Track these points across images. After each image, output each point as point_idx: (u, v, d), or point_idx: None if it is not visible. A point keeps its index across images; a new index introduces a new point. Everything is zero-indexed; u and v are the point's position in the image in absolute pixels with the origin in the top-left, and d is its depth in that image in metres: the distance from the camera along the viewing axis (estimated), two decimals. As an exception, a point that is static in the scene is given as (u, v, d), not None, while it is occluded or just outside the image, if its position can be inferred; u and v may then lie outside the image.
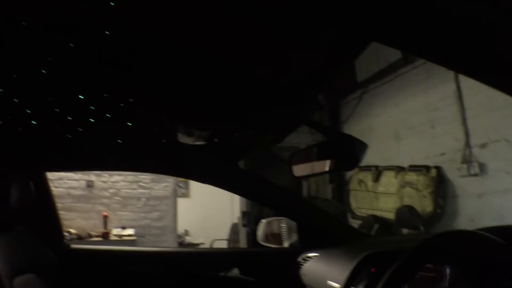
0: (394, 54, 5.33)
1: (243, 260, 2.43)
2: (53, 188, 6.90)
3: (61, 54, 1.14)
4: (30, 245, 2.03)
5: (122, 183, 7.11)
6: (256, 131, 1.84)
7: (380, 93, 5.92)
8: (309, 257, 2.15)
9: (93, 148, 2.13)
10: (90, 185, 6.97)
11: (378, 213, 5.58)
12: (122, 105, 1.52)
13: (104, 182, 7.04)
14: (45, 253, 2.11)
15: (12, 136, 1.87)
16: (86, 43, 1.09)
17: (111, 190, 7.07)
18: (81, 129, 1.80)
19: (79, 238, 6.44)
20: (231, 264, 2.36)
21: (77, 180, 6.89)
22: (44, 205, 2.36)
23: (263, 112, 1.64)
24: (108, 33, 1.02)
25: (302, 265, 2.16)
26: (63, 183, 6.81)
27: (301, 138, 5.39)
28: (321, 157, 1.57)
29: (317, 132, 1.76)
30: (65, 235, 6.24)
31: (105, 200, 7.04)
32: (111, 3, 0.86)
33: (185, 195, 9.60)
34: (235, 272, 2.33)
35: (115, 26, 1.01)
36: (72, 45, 1.06)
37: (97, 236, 6.59)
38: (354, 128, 6.48)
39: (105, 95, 1.44)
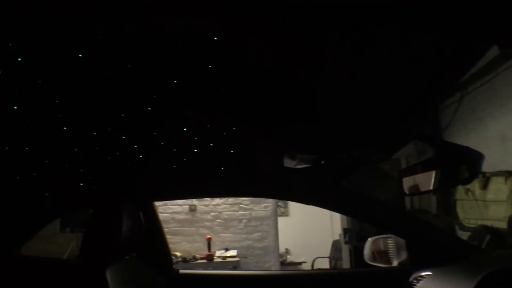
0: (491, 51, 4.99)
1: (350, 282, 2.36)
2: (158, 214, 7.13)
3: (165, 91, 1.18)
4: (141, 272, 2.11)
5: (223, 206, 7.25)
6: (366, 151, 1.78)
7: (481, 94, 5.55)
8: (421, 276, 2.03)
9: (198, 176, 2.18)
10: (192, 209, 7.19)
11: (488, 223, 5.21)
12: (224, 133, 1.55)
13: (206, 205, 7.23)
14: (155, 279, 2.18)
15: (121, 170, 1.97)
16: (187, 78, 1.12)
17: (213, 213, 7.24)
18: (185, 159, 1.85)
19: (185, 261, 6.63)
20: (338, 286, 2.30)
21: (180, 205, 7.14)
22: (153, 232, 2.45)
23: (375, 131, 1.59)
24: (210, 67, 1.04)
25: (414, 285, 2.04)
26: (168, 208, 7.08)
27: (402, 149, 5.18)
28: (434, 172, 1.48)
29: (422, 143, 1.68)
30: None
31: (208, 223, 7.21)
32: (215, 38, 0.87)
33: (285, 214, 9.62)
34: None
35: (216, 58, 1.02)
36: (175, 81, 1.09)
37: (201, 259, 6.74)
38: (455, 134, 6.15)
39: (208, 125, 1.47)
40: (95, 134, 1.52)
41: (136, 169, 1.97)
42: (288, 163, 1.76)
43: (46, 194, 2.27)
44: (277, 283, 2.43)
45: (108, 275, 1.82)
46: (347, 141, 1.68)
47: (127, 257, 2.11)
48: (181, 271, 2.54)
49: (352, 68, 1.12)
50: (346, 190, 2.26)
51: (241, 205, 7.27)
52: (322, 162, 1.77)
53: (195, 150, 1.67)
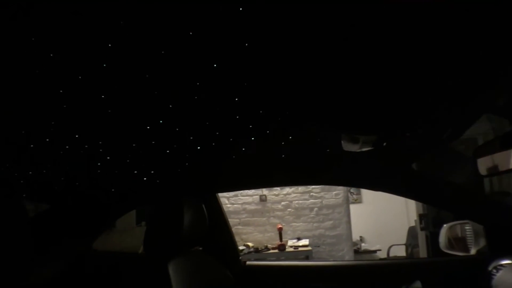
0: None
1: (425, 271, 2.24)
2: (229, 205, 7.17)
3: (221, 81, 1.14)
4: (207, 265, 2.10)
5: (293, 195, 7.21)
6: (432, 128, 1.64)
7: None
8: (502, 265, 1.89)
9: (259, 166, 2.13)
10: (263, 199, 7.19)
11: None
12: (280, 119, 1.48)
13: (276, 195, 7.21)
14: (222, 271, 2.17)
15: (183, 163, 1.96)
16: (244, 69, 1.08)
17: (283, 203, 7.21)
18: (244, 149, 1.81)
19: (257, 251, 6.64)
20: (413, 276, 2.18)
21: (250, 195, 7.16)
22: (218, 225, 2.44)
23: (442, 106, 1.44)
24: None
25: (494, 274, 1.89)
26: (238, 199, 7.13)
27: (477, 127, 4.88)
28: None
29: (498, 118, 1.52)
30: (243, 249, 6.45)
31: (279, 213, 7.19)
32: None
33: (357, 200, 9.44)
34: (418, 285, 2.15)
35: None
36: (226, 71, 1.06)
37: (273, 248, 6.72)
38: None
39: (260, 111, 1.41)
40: (148, 128, 1.51)
41: (196, 163, 1.95)
42: (349, 146, 1.66)
43: (112, 190, 2.31)
44: (347, 274, 2.35)
45: (171, 268, 1.83)
46: (409, 118, 1.54)
47: (191, 250, 2.11)
48: (248, 262, 2.51)
49: (418, 40, 1.02)
50: (416, 173, 2.13)
51: (311, 194, 7.19)
52: (384, 143, 1.65)
53: (252, 138, 1.62)
